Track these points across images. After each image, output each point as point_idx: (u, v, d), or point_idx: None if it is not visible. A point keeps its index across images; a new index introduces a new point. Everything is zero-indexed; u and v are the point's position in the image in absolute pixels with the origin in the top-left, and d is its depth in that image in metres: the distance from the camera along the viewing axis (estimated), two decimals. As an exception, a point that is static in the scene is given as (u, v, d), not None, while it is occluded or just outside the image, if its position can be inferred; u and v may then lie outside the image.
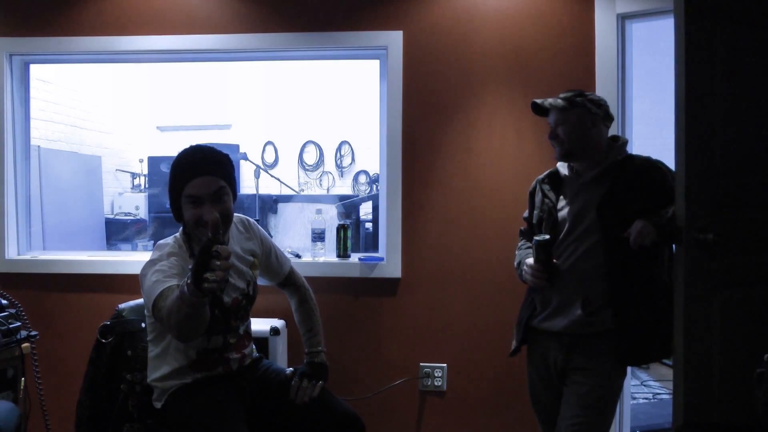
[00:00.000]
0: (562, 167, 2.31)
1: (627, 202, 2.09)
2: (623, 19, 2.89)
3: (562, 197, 2.26)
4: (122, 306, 2.30)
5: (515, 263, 2.40)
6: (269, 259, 2.32)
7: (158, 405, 2.10)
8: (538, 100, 2.25)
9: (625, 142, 2.26)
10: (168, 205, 2.08)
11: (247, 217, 2.29)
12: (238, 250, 2.16)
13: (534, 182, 2.41)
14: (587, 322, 2.13)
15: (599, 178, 2.18)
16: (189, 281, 1.59)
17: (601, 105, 2.19)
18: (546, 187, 2.31)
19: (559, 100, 2.20)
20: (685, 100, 1.97)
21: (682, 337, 1.95)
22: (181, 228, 2.10)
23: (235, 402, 2.03)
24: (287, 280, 2.41)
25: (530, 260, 2.21)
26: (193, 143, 2.10)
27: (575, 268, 2.14)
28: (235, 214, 2.15)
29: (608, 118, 2.22)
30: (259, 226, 2.32)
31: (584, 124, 2.18)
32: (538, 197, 2.33)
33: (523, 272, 2.25)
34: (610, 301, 2.10)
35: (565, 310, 2.16)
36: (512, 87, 2.98)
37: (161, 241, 2.10)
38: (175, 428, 2.02)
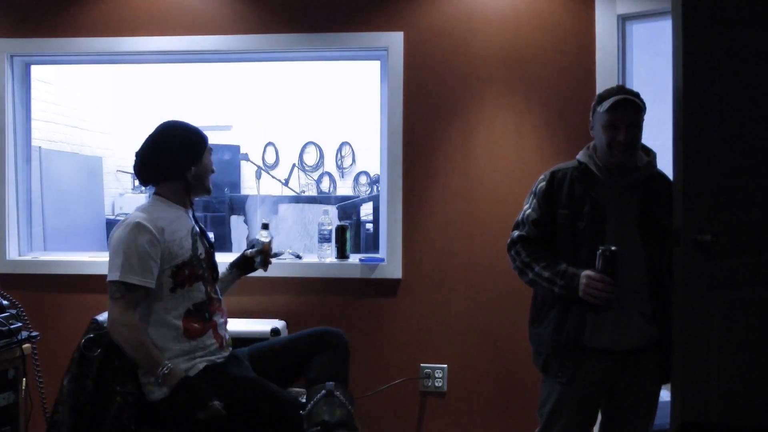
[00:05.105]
0: (590, 162, 2.09)
1: (662, 216, 2.02)
2: (624, 20, 2.90)
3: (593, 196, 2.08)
4: (99, 318, 2.18)
5: (530, 275, 2.10)
6: None
7: (158, 395, 2.05)
8: (638, 99, 2.03)
9: (655, 155, 2.14)
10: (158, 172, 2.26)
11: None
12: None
13: (543, 181, 2.15)
14: (650, 338, 2.03)
15: (633, 187, 2.07)
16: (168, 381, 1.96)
17: (645, 110, 2.09)
18: (578, 182, 2.08)
19: (638, 101, 2.03)
20: (683, 102, 1.96)
21: (680, 338, 1.95)
22: (153, 191, 2.27)
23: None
24: None
25: (588, 272, 1.97)
26: (170, 119, 2.39)
27: (624, 280, 1.99)
28: None
29: None
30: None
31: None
32: (564, 193, 2.08)
33: (582, 286, 1.96)
34: (653, 318, 2.03)
35: (624, 324, 2.02)
36: (513, 88, 2.98)
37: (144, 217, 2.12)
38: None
